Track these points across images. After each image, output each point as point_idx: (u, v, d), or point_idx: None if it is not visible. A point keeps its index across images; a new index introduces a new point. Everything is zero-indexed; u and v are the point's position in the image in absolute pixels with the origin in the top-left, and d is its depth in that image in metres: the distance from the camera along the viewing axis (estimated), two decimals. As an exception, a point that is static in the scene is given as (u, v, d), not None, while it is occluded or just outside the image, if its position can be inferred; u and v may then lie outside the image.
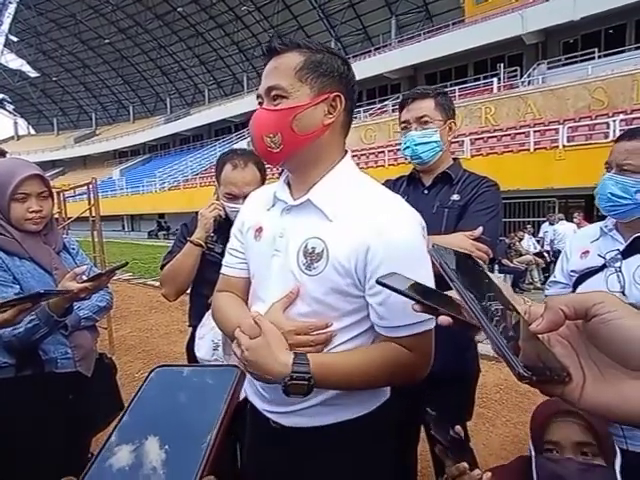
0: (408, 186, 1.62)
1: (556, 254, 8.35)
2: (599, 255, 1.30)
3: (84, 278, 1.29)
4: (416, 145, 1.50)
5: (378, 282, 0.60)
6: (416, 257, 0.85)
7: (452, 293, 0.51)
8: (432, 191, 1.55)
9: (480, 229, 1.32)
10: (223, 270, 1.10)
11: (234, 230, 1.10)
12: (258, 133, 0.90)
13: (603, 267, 1.27)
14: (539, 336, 0.41)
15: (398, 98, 18.96)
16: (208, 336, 1.53)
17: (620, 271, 1.23)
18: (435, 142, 1.50)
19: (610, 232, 1.32)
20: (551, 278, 1.53)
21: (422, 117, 1.50)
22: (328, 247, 0.87)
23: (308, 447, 0.94)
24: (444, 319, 0.46)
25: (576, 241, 1.47)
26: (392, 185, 1.65)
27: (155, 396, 0.37)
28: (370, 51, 23.03)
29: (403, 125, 1.56)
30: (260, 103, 0.92)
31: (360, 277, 0.87)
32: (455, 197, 1.48)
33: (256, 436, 1.04)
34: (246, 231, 1.04)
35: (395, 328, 0.86)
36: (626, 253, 1.23)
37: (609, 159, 1.28)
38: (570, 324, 0.40)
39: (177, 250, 1.70)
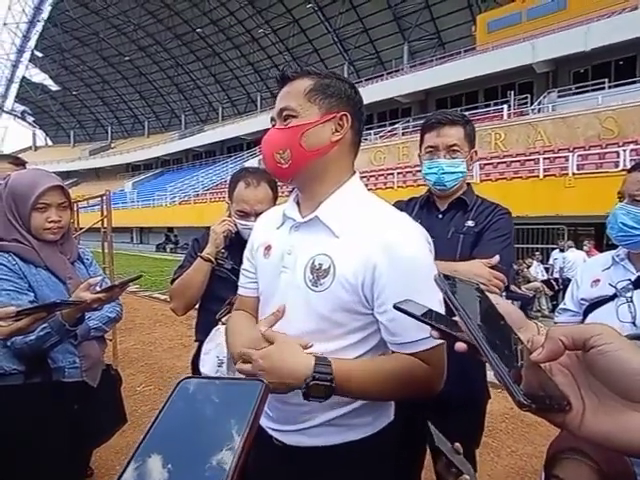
0: (421, 209, 1.61)
1: (565, 282, 8.25)
2: (610, 284, 1.29)
3: (97, 289, 1.31)
4: (443, 173, 1.50)
5: (395, 307, 0.61)
6: (424, 274, 0.85)
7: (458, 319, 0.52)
8: (446, 216, 1.55)
9: (497, 257, 1.32)
10: (238, 290, 1.14)
11: (246, 251, 1.13)
12: (269, 150, 0.95)
13: (614, 296, 1.26)
14: (541, 365, 0.42)
15: (409, 122, 19.27)
16: (213, 352, 1.52)
17: (631, 301, 1.22)
18: (461, 172, 1.51)
19: (622, 261, 1.31)
20: (561, 305, 1.52)
21: (452, 145, 1.49)
22: (335, 263, 0.88)
23: (311, 467, 0.94)
24: (460, 345, 0.47)
25: (587, 269, 1.46)
26: (404, 207, 1.63)
27: (181, 410, 0.38)
28: (382, 75, 23.46)
29: (430, 149, 1.53)
30: (273, 125, 0.97)
31: (367, 294, 0.88)
32: (470, 223, 1.48)
33: (259, 454, 1.03)
34: (256, 250, 1.06)
35: (408, 344, 0.87)
36: (638, 283, 1.23)
37: (622, 189, 1.29)
38: (571, 354, 0.41)
39: (187, 265, 1.72)
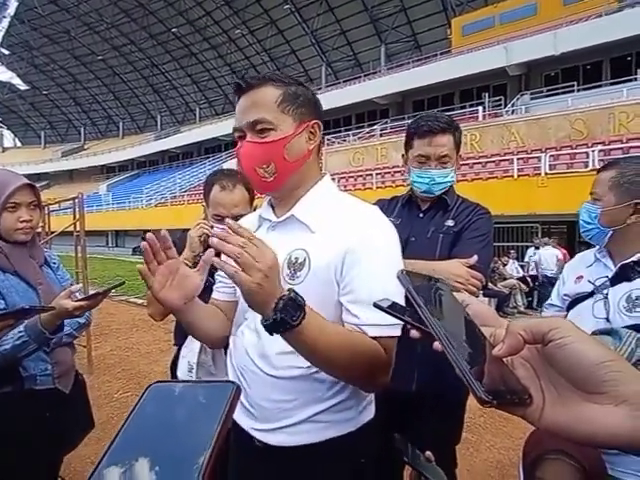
0: (403, 208, 1.61)
1: (543, 279, 8.49)
2: (589, 281, 1.33)
3: (78, 296, 1.30)
4: (434, 184, 1.48)
5: (375, 305, 0.60)
6: (392, 263, 0.89)
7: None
8: (427, 215, 1.55)
9: (475, 257, 1.33)
10: (212, 294, 1.16)
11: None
12: (250, 165, 0.95)
13: (592, 293, 1.31)
14: (503, 359, 0.42)
15: (387, 123, 19.46)
16: (187, 357, 1.52)
17: (607, 298, 1.25)
18: (450, 181, 1.50)
19: (603, 259, 1.35)
20: (548, 301, 1.55)
21: (444, 156, 1.47)
22: (310, 256, 0.91)
23: (293, 466, 0.94)
24: (438, 344, 0.47)
25: (573, 266, 1.49)
26: (386, 205, 1.64)
27: (151, 413, 0.37)
28: (360, 77, 23.62)
29: (421, 159, 1.49)
30: (240, 137, 0.96)
31: (339, 280, 0.90)
32: (450, 223, 1.49)
33: (240, 457, 1.02)
34: None
35: (369, 327, 0.88)
36: (614, 280, 1.26)
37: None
38: (532, 347, 0.42)
39: None
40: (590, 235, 1.34)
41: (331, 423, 0.93)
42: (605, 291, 1.27)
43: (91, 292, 1.36)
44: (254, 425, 0.97)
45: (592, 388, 0.37)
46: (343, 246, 0.90)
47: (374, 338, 0.88)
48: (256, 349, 0.96)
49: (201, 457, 0.32)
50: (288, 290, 0.75)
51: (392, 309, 0.59)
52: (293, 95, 0.94)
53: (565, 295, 1.43)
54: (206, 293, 1.58)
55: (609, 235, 1.28)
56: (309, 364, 0.88)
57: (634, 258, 1.23)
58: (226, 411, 0.36)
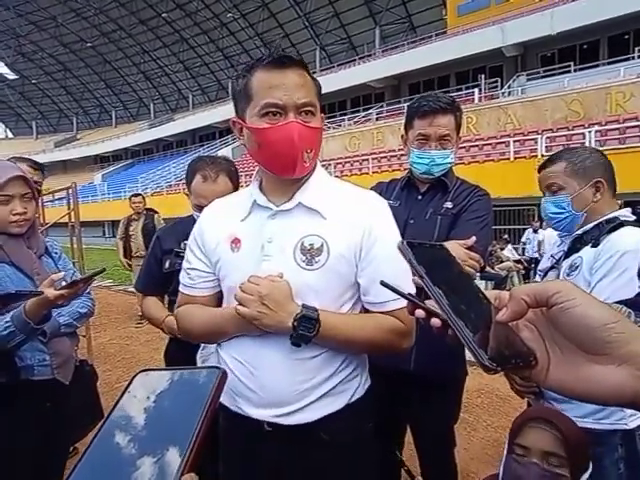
0: (402, 190, 1.60)
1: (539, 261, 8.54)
2: (551, 255, 1.52)
3: (63, 284, 1.27)
4: (433, 164, 1.47)
5: (382, 283, 0.61)
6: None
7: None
8: (425, 197, 1.54)
9: (473, 238, 1.32)
10: (183, 290, 1.08)
11: (195, 250, 1.06)
12: (301, 147, 0.90)
13: (553, 267, 1.49)
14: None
15: (382, 107, 19.26)
16: (212, 359, 1.48)
17: (559, 267, 1.43)
18: (449, 162, 1.49)
19: (563, 237, 1.50)
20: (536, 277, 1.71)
21: (445, 136, 1.45)
22: (327, 241, 0.93)
23: (309, 442, 0.96)
24: (435, 321, 0.46)
25: (552, 247, 1.63)
26: (385, 187, 1.64)
27: (138, 399, 0.38)
28: (354, 60, 23.29)
29: (421, 138, 1.47)
30: (276, 113, 0.88)
31: (358, 263, 0.95)
32: (448, 205, 1.48)
33: (245, 442, 1.01)
34: (215, 246, 1.01)
35: (385, 303, 0.95)
36: (568, 253, 1.41)
37: (540, 187, 1.45)
38: (536, 310, 0.42)
39: (147, 269, 1.70)
40: (562, 224, 1.40)
41: (345, 392, 0.98)
42: (562, 263, 1.43)
43: (71, 280, 1.34)
44: (264, 411, 0.95)
45: (596, 349, 0.38)
46: (360, 229, 0.94)
47: (390, 312, 0.95)
48: (270, 335, 0.93)
49: (186, 442, 0.33)
50: (300, 308, 0.89)
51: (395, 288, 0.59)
52: (317, 83, 0.96)
53: (539, 271, 1.59)
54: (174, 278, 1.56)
55: (583, 218, 1.36)
56: None
57: (579, 231, 1.35)
58: (212, 396, 0.36)
